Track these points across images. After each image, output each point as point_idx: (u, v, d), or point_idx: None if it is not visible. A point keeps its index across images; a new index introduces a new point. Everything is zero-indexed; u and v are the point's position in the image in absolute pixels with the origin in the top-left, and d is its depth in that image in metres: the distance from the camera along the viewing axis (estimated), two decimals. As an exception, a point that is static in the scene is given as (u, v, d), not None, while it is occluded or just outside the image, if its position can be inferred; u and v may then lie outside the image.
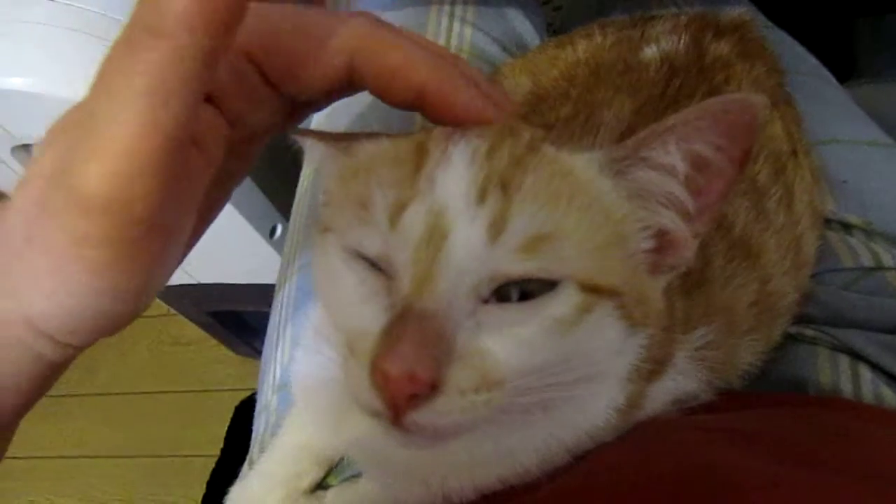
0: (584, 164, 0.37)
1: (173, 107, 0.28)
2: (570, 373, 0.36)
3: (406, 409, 0.32)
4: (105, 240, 0.29)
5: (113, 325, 0.33)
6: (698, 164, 0.35)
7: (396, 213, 0.34)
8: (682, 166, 0.35)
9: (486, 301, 0.34)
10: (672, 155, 0.35)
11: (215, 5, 0.27)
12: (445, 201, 0.34)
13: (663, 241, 0.39)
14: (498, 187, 0.34)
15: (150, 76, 0.27)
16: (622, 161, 0.37)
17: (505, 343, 0.34)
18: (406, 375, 0.31)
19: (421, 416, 0.32)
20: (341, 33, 0.35)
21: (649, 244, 0.38)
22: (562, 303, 0.34)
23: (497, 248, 0.33)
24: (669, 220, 0.38)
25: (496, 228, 0.33)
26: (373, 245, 0.35)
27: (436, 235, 0.33)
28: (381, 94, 0.37)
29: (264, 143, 0.42)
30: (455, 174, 0.35)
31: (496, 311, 0.34)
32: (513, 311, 0.34)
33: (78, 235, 0.29)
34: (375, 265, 0.36)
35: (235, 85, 0.36)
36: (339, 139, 0.41)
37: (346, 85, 0.38)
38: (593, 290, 0.35)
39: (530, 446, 0.43)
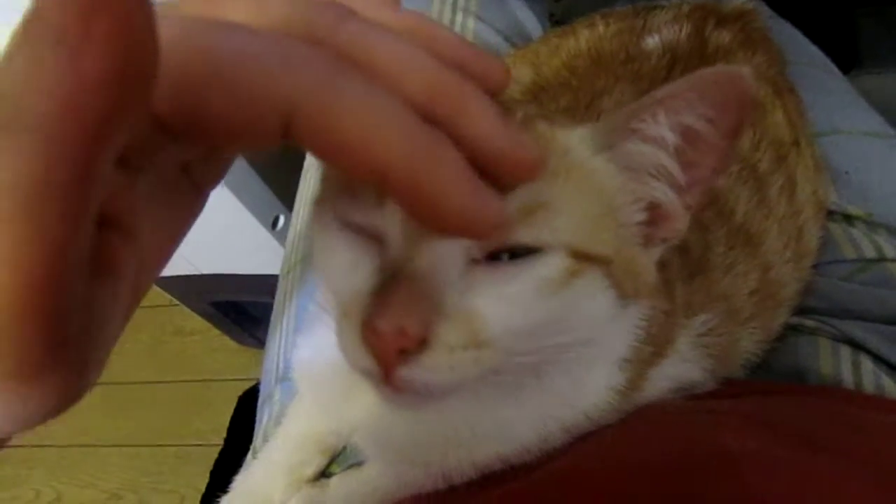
0: (576, 140, 0.37)
1: (53, 227, 0.19)
2: (559, 336, 0.36)
3: (395, 365, 0.32)
4: None
5: (39, 422, 0.26)
6: (689, 137, 0.35)
7: (382, 192, 0.34)
8: (671, 138, 0.35)
9: (476, 262, 0.34)
10: (662, 127, 0.35)
11: (100, 87, 0.18)
12: None
13: (655, 214, 0.39)
14: None
15: (16, 194, 0.18)
16: (613, 134, 0.37)
17: (494, 302, 0.34)
18: (395, 330, 0.31)
19: (410, 372, 0.32)
20: (281, 84, 0.23)
21: (641, 217, 0.39)
22: (550, 264, 0.34)
23: None
24: (660, 192, 0.38)
25: None
26: (362, 219, 0.36)
27: None
28: (329, 163, 0.30)
29: (227, 157, 0.33)
30: None
31: (486, 271, 0.34)
32: (502, 270, 0.34)
33: None
34: (367, 232, 0.36)
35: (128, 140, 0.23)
36: None
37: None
38: (583, 256, 0.35)
39: (528, 423, 0.44)
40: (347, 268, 0.36)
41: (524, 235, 0.34)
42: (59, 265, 0.20)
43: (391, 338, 0.31)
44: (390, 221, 0.34)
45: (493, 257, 0.34)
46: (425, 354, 0.32)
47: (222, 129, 0.24)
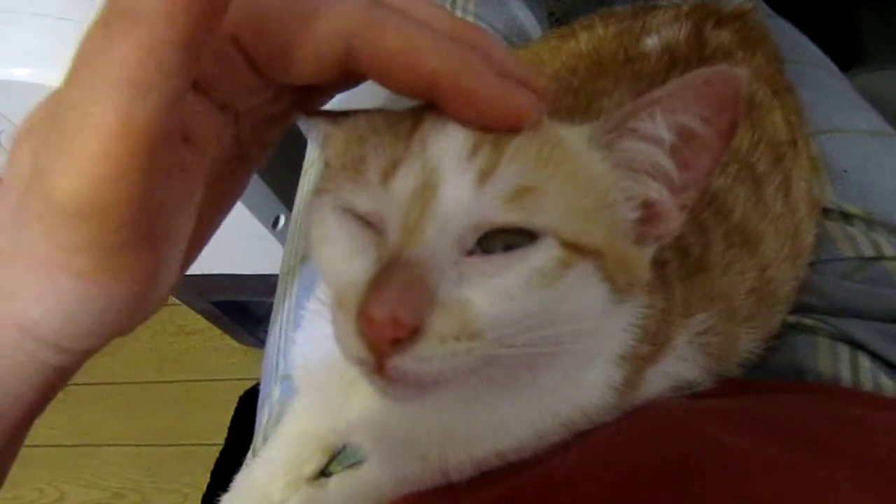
0: (574, 136, 0.38)
1: (152, 102, 0.25)
2: (551, 328, 0.36)
3: (389, 354, 0.32)
4: (88, 247, 0.27)
5: (117, 328, 0.32)
6: (684, 136, 0.36)
7: (388, 172, 0.35)
8: (668, 137, 0.36)
9: (470, 253, 0.35)
10: (658, 125, 0.36)
11: None
12: (437, 160, 0.34)
13: (649, 212, 0.39)
14: (489, 144, 0.35)
15: (126, 67, 0.24)
16: (610, 132, 0.37)
17: (486, 293, 0.34)
18: (389, 319, 0.31)
19: (403, 361, 0.33)
20: (336, 13, 0.31)
21: (635, 214, 0.39)
22: (542, 254, 0.35)
23: (484, 194, 0.34)
24: (655, 191, 0.38)
25: (484, 176, 0.34)
26: (364, 203, 0.36)
27: (426, 190, 0.34)
28: (384, 81, 0.33)
29: (278, 128, 0.39)
30: (449, 136, 0.35)
31: (479, 262, 0.35)
32: (495, 261, 0.35)
33: (59, 242, 0.27)
34: (367, 222, 0.37)
35: (219, 71, 0.32)
36: (337, 115, 0.42)
37: (346, 72, 0.33)
38: (574, 247, 0.35)
39: (525, 419, 0.44)
40: (344, 257, 0.37)
41: (513, 216, 0.34)
42: (159, 129, 0.26)
43: (384, 327, 0.32)
44: (393, 203, 0.35)
45: (487, 250, 0.35)
46: (418, 344, 0.32)
47: (291, 54, 0.31)
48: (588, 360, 0.44)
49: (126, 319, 0.31)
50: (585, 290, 0.37)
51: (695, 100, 0.34)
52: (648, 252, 0.41)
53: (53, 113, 0.27)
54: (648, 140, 0.37)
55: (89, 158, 0.25)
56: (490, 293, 0.34)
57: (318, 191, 0.40)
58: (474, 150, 0.35)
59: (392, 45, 0.31)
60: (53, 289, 0.28)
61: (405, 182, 0.34)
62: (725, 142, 0.35)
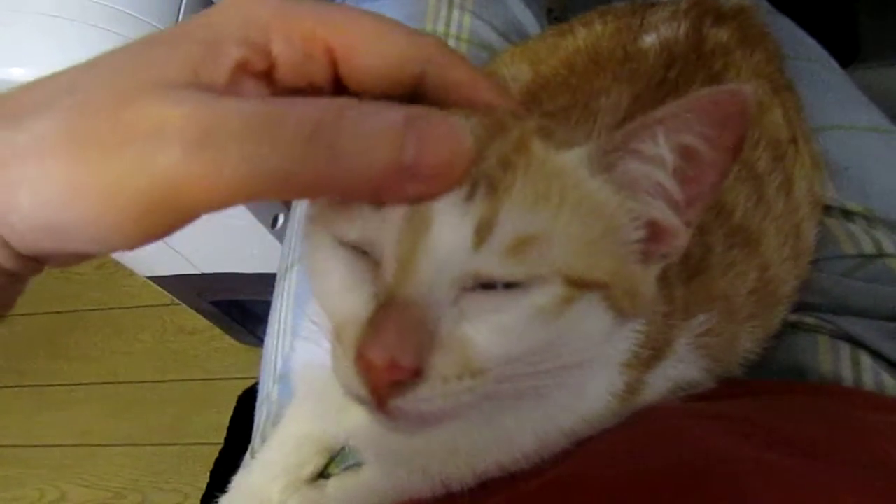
0: (573, 161, 0.36)
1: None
2: (556, 360, 0.36)
3: (389, 396, 0.32)
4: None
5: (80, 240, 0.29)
6: (688, 156, 0.35)
7: (377, 205, 0.34)
8: (671, 158, 0.35)
9: (470, 289, 0.34)
10: (661, 147, 0.35)
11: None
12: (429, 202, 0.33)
13: (655, 231, 0.38)
14: (485, 189, 0.33)
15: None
16: (612, 153, 0.36)
17: (487, 331, 0.34)
18: (387, 363, 0.31)
19: (404, 402, 0.32)
20: (417, 45, 0.37)
21: (640, 234, 0.38)
22: (545, 293, 0.34)
23: (483, 251, 0.33)
24: (659, 210, 0.37)
25: (483, 232, 0.33)
26: (359, 232, 0.35)
27: (417, 227, 0.33)
28: (445, 100, 0.39)
29: None
30: None
31: (479, 299, 0.34)
32: (496, 298, 0.34)
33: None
34: (361, 251, 0.36)
35: (302, 65, 0.35)
36: None
37: (410, 90, 0.38)
38: (579, 283, 0.35)
39: (528, 431, 0.44)
40: (341, 290, 0.36)
41: (516, 272, 0.33)
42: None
43: (383, 370, 0.31)
44: (382, 238, 0.34)
45: (487, 286, 0.34)
46: (419, 385, 0.32)
47: (378, 67, 0.36)
48: (592, 374, 0.44)
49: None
50: (590, 321, 0.36)
51: (699, 120, 0.33)
52: (654, 271, 0.40)
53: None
54: (650, 161, 0.36)
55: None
56: (491, 330, 0.34)
57: (311, 217, 0.40)
58: (469, 194, 0.33)
59: (460, 75, 0.38)
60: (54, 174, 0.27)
61: (394, 220, 0.33)
62: (731, 159, 0.34)
